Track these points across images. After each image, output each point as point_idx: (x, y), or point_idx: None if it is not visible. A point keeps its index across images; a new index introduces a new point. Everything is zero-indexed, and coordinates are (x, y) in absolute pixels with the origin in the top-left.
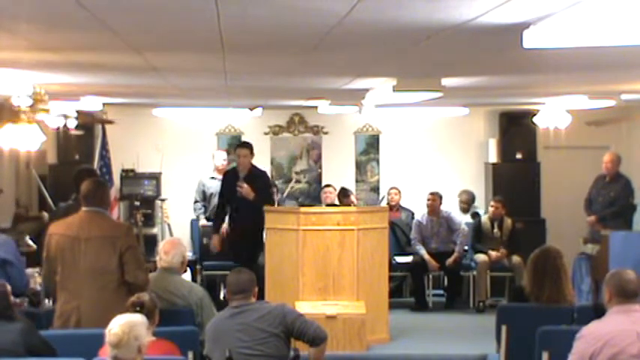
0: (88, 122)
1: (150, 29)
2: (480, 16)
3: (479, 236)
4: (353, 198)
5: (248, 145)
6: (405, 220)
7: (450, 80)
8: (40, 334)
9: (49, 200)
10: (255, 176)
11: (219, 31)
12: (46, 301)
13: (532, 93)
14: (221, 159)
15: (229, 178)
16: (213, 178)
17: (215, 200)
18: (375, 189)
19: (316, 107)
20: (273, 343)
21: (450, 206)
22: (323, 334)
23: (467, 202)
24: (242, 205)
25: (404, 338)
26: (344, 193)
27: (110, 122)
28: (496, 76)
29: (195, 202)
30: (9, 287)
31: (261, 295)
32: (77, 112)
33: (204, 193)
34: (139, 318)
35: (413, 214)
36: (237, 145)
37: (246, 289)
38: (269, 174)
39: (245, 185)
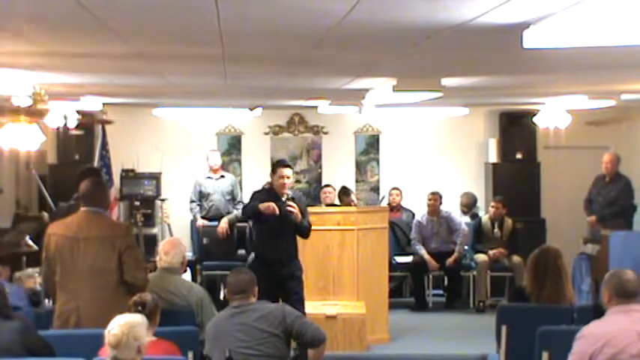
0: (88, 122)
1: (150, 29)
2: (479, 16)
3: (479, 236)
4: (353, 197)
5: (291, 166)
6: (405, 220)
7: (450, 80)
8: (37, 333)
9: (49, 200)
10: (295, 197)
11: (219, 31)
12: (46, 301)
13: (532, 93)
14: (214, 159)
15: (267, 198)
16: (209, 177)
17: (212, 199)
18: (375, 189)
19: (316, 107)
20: (273, 343)
21: (450, 207)
22: (322, 336)
23: (467, 205)
24: (282, 228)
25: (404, 338)
26: (344, 192)
27: (109, 122)
28: (496, 76)
29: (191, 201)
30: (7, 287)
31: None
32: (77, 112)
33: (200, 192)
34: (138, 318)
35: (414, 214)
36: (280, 165)
37: (246, 289)
38: (269, 174)
39: (295, 206)
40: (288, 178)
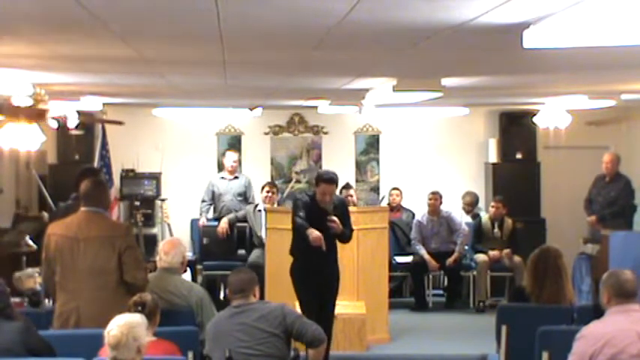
0: (88, 122)
1: (150, 29)
2: (479, 16)
3: (479, 236)
4: (352, 192)
5: (335, 181)
6: (405, 220)
7: (450, 80)
8: (38, 333)
9: (49, 200)
10: (337, 206)
11: (219, 31)
12: (46, 301)
13: (532, 93)
14: (231, 160)
15: (310, 207)
16: (222, 178)
17: (224, 199)
18: (375, 189)
19: (316, 107)
20: (273, 343)
21: (450, 206)
22: (321, 336)
23: (470, 204)
24: (324, 237)
25: (404, 338)
26: (345, 187)
27: (118, 123)
28: (496, 76)
29: (203, 201)
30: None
31: (261, 295)
32: (77, 112)
33: (213, 193)
34: (137, 318)
35: (414, 214)
36: (322, 181)
37: (245, 288)
38: (269, 174)
39: (338, 221)
40: (330, 194)
